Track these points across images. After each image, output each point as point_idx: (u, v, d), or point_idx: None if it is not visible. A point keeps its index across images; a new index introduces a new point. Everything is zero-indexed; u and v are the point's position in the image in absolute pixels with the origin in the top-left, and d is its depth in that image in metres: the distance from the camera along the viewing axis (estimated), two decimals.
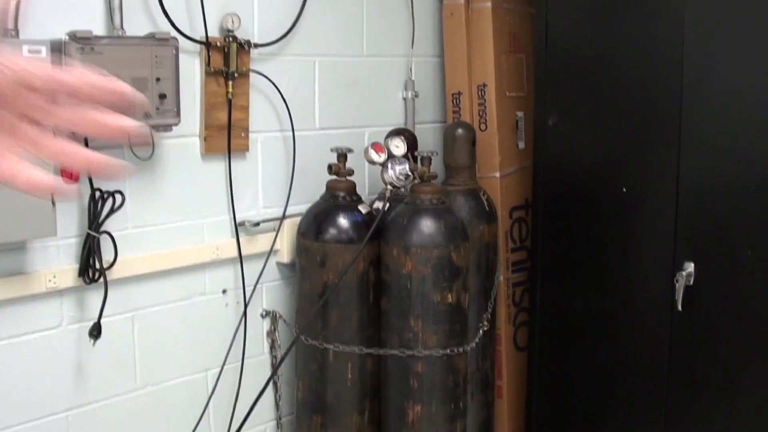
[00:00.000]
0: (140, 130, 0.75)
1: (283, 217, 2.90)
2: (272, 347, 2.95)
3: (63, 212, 2.31)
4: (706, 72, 2.61)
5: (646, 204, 2.80)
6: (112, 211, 2.41)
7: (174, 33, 2.48)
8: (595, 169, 2.94)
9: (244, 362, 2.84)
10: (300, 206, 2.92)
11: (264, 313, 2.93)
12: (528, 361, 3.24)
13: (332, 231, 2.75)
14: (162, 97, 2.38)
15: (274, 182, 2.90)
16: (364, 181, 3.14)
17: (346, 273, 2.71)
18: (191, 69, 2.62)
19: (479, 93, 3.26)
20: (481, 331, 2.98)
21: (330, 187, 2.84)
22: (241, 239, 2.78)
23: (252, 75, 2.76)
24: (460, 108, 3.31)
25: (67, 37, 2.19)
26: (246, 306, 2.83)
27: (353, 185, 2.85)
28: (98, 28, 2.34)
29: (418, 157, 2.83)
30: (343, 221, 2.76)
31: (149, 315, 2.62)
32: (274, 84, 2.82)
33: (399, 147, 2.85)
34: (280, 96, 2.85)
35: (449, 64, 3.35)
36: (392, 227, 2.74)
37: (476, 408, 3.08)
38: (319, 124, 3.02)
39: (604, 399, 2.98)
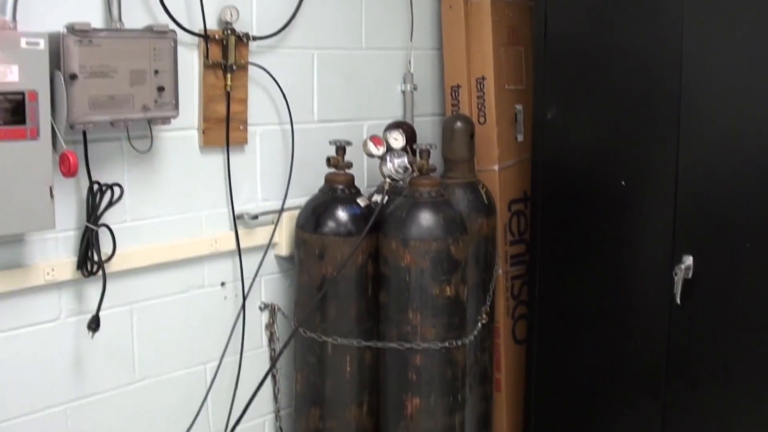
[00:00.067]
0: None
1: (282, 209, 2.90)
2: (271, 340, 2.96)
3: (61, 205, 2.31)
4: (704, 66, 2.61)
5: (645, 197, 2.80)
6: (110, 203, 2.41)
7: (172, 25, 2.47)
8: (594, 162, 2.94)
9: (243, 355, 2.84)
10: (298, 199, 2.92)
11: (262, 306, 2.93)
12: (526, 354, 3.24)
13: (331, 224, 2.75)
14: (160, 89, 2.37)
15: (272, 175, 2.90)
16: (363, 173, 3.14)
17: (345, 266, 2.71)
18: (190, 61, 2.61)
19: (478, 86, 3.26)
20: (479, 324, 2.98)
21: (328, 179, 2.84)
22: (239, 232, 2.78)
23: (250, 68, 2.76)
24: (458, 101, 3.31)
25: (65, 29, 2.18)
26: (244, 299, 2.83)
27: (352, 178, 2.85)
28: (96, 21, 2.34)
29: (417, 150, 2.83)
30: (342, 214, 2.76)
31: (148, 308, 2.62)
32: (272, 77, 2.82)
33: (398, 140, 2.85)
34: (278, 89, 2.85)
35: (448, 56, 3.35)
36: (391, 220, 2.74)
37: (475, 401, 3.08)
38: (317, 117, 3.02)
39: (603, 392, 2.98)
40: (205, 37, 2.61)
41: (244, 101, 2.76)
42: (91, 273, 2.40)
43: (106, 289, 2.40)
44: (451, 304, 2.72)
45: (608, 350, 2.93)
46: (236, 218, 2.78)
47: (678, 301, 2.66)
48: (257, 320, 2.93)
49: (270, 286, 2.95)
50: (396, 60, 3.28)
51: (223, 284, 2.80)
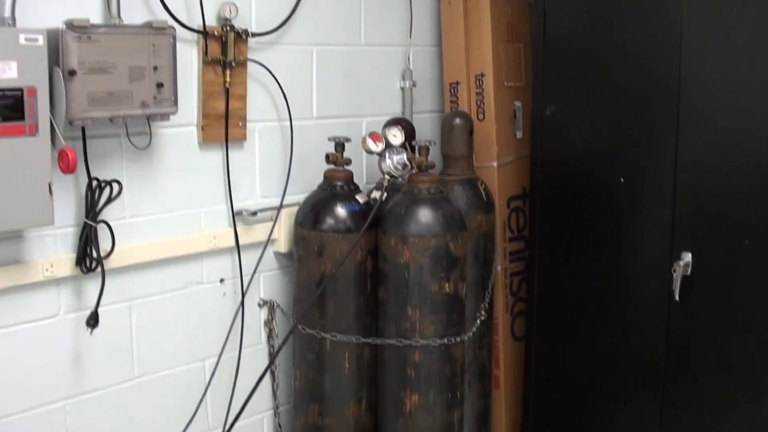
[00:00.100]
0: None
1: (281, 206, 2.90)
2: (270, 336, 2.96)
3: (60, 201, 2.31)
4: (703, 62, 2.61)
5: (644, 194, 2.80)
6: (109, 200, 2.41)
7: (171, 22, 2.47)
8: (593, 159, 2.94)
9: (242, 351, 2.84)
10: (297, 196, 2.92)
11: (261, 303, 2.93)
12: (525, 350, 3.24)
13: (330, 220, 2.75)
14: (159, 86, 2.37)
15: (271, 171, 2.90)
16: (362, 170, 3.14)
17: (344, 262, 2.71)
18: (188, 58, 2.61)
19: (477, 82, 3.26)
20: (478, 321, 2.98)
21: (327, 176, 2.84)
22: (238, 228, 2.78)
23: (249, 64, 2.76)
24: (457, 97, 3.31)
25: (64, 25, 2.18)
26: (243, 295, 2.84)
27: (351, 175, 2.85)
28: (95, 17, 2.33)
29: (416, 147, 2.83)
30: (341, 211, 2.76)
31: (147, 304, 2.62)
32: (271, 73, 2.82)
33: (397, 136, 2.85)
34: (277, 85, 2.85)
35: (447, 53, 3.35)
36: (390, 217, 2.74)
37: (473, 397, 3.09)
38: (316, 114, 3.02)
39: (601, 388, 2.98)
40: (204, 33, 2.61)
41: (243, 98, 2.76)
42: (90, 269, 2.40)
43: (105, 285, 2.40)
44: (449, 301, 2.72)
45: (607, 347, 2.94)
46: (235, 215, 2.78)
47: (677, 297, 2.67)
48: (256, 317, 2.93)
49: (269, 283, 2.95)
50: (395, 57, 3.28)
51: (222, 281, 2.80)
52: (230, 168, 2.75)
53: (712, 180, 2.62)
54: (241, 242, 2.79)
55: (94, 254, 2.39)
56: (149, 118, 2.45)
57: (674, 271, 2.66)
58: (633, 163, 2.81)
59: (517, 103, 3.33)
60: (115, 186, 2.41)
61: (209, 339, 2.79)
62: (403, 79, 3.30)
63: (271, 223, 2.89)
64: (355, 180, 2.86)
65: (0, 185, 2.09)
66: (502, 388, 3.31)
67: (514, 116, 3.33)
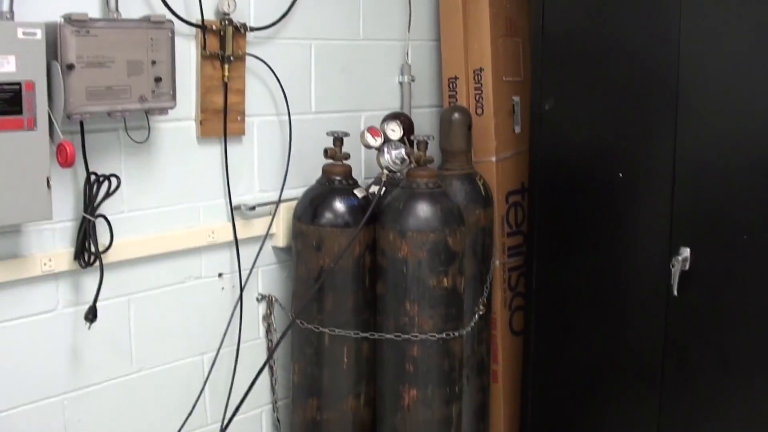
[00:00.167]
0: None
1: (279, 201, 2.90)
2: (268, 331, 2.96)
3: (58, 195, 2.31)
4: (702, 58, 2.61)
5: (642, 189, 2.80)
6: (107, 194, 2.41)
7: (169, 16, 2.47)
8: (592, 154, 2.94)
9: (240, 346, 2.84)
10: (296, 190, 2.92)
11: (260, 297, 2.93)
12: (523, 345, 3.24)
13: (328, 215, 2.75)
14: (157, 80, 2.37)
15: (270, 166, 2.90)
16: (360, 165, 3.14)
17: (342, 257, 2.71)
18: (187, 52, 2.61)
19: (476, 77, 3.26)
20: (476, 316, 2.98)
21: (326, 171, 2.84)
22: (236, 223, 2.78)
23: (248, 58, 2.75)
24: (456, 92, 3.31)
25: (62, 19, 2.17)
26: (242, 290, 2.84)
27: (349, 169, 2.85)
28: (93, 11, 2.33)
29: (414, 142, 2.82)
30: (339, 205, 2.76)
31: (145, 299, 2.62)
32: (270, 67, 2.82)
33: (395, 131, 2.85)
34: (276, 80, 2.84)
35: (446, 48, 3.34)
36: (388, 211, 2.74)
37: (472, 392, 3.09)
38: (315, 108, 3.02)
39: (600, 383, 2.98)
40: (203, 27, 2.61)
41: (241, 92, 2.75)
42: (89, 264, 2.40)
43: (104, 279, 2.40)
44: (448, 296, 2.72)
45: (605, 341, 2.94)
46: (233, 209, 2.78)
47: (675, 292, 2.67)
48: (254, 311, 2.93)
49: (267, 277, 2.95)
50: (394, 51, 3.28)
51: (220, 275, 2.80)
52: (229, 162, 2.75)
53: (711, 175, 2.62)
54: (239, 237, 2.79)
55: (93, 248, 2.39)
56: (147, 113, 2.44)
57: (672, 266, 2.66)
58: (632, 159, 2.81)
59: (516, 98, 3.33)
60: (114, 180, 2.41)
61: (207, 333, 2.79)
62: (402, 73, 3.29)
63: (270, 217, 2.89)
64: (353, 175, 2.86)
65: None
66: (500, 382, 3.31)
67: (513, 111, 3.33)
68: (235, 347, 2.84)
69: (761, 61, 2.48)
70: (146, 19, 2.36)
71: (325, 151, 2.84)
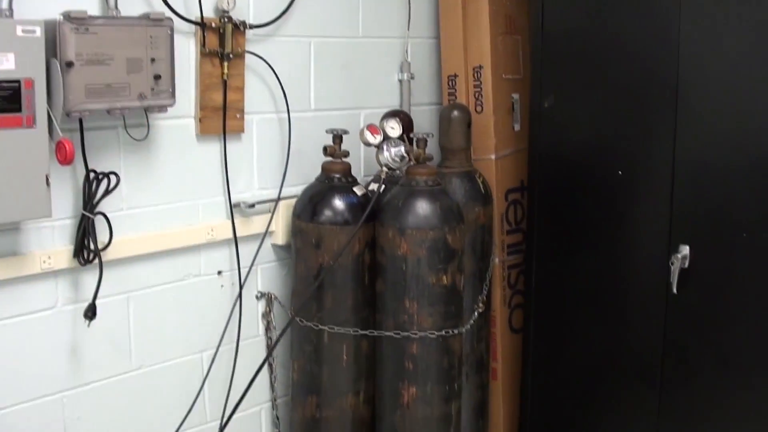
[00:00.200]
0: None
1: (279, 198, 2.90)
2: (267, 329, 2.96)
3: (58, 193, 2.30)
4: (702, 56, 2.60)
5: (642, 187, 2.80)
6: (107, 192, 2.40)
7: (169, 13, 2.46)
8: (591, 151, 2.94)
9: (239, 344, 2.84)
10: (295, 188, 2.92)
11: (259, 295, 2.93)
12: (523, 343, 3.24)
13: (327, 213, 2.75)
14: (157, 77, 2.37)
15: (269, 164, 2.90)
16: (360, 162, 3.14)
17: (341, 255, 2.71)
18: (186, 50, 2.61)
19: (475, 75, 3.25)
20: (476, 313, 2.98)
21: (325, 168, 2.84)
22: (236, 220, 2.78)
23: (247, 56, 2.75)
24: (455, 90, 3.30)
25: (61, 17, 2.17)
26: (241, 287, 2.83)
27: (348, 167, 2.85)
28: (93, 8, 2.33)
29: (414, 139, 2.82)
30: (339, 203, 2.76)
31: (144, 296, 2.62)
32: (269, 65, 2.81)
33: (394, 129, 2.85)
34: (275, 77, 2.84)
35: (445, 45, 3.34)
36: (387, 209, 2.73)
37: (471, 389, 3.09)
38: (314, 106, 3.01)
39: (599, 381, 2.99)
40: (202, 25, 2.60)
41: (240, 90, 2.75)
42: (88, 261, 2.40)
43: (103, 277, 2.40)
44: (447, 293, 2.72)
45: (604, 339, 2.94)
46: (233, 207, 2.78)
47: (674, 290, 2.67)
48: (254, 309, 2.93)
49: (267, 275, 2.95)
50: (393, 49, 3.27)
51: (219, 273, 2.80)
52: (228, 160, 2.75)
53: (710, 173, 2.62)
54: (238, 234, 2.79)
55: (92, 246, 2.38)
56: (147, 110, 2.44)
57: (672, 264, 2.66)
58: (631, 156, 2.81)
59: (515, 96, 3.33)
60: (113, 178, 2.41)
61: (207, 331, 2.80)
62: (401, 71, 3.29)
63: (269, 215, 2.89)
64: (353, 172, 2.86)
65: None
66: (499, 380, 3.31)
67: (512, 109, 3.33)
68: (235, 345, 2.84)
69: (761, 61, 2.48)
70: (145, 17, 2.35)
71: (325, 149, 2.84)
